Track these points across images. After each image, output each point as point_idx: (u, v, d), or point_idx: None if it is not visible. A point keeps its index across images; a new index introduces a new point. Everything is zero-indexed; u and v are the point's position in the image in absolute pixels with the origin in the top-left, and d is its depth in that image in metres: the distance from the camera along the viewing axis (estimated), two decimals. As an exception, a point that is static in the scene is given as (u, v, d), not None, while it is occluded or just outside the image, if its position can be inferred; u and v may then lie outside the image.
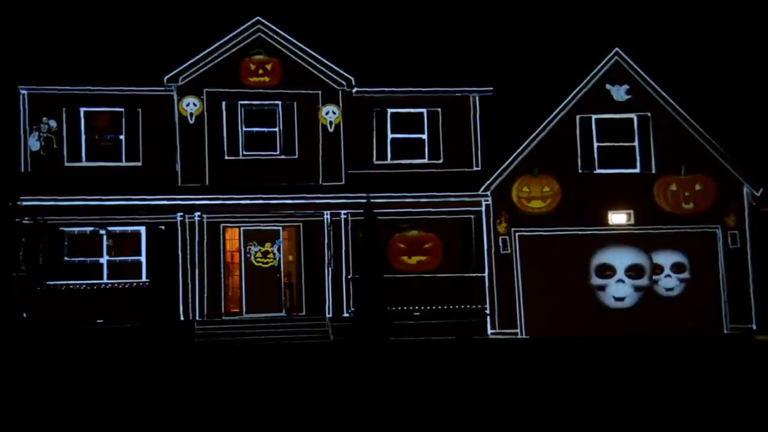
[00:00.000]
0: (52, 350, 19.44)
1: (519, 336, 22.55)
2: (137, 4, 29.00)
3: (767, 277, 22.89)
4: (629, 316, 22.79)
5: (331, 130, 23.10)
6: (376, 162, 23.93)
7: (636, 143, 23.39)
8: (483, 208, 23.09)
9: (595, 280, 22.99)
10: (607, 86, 23.46)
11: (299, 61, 23.47)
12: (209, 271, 22.40)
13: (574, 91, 23.28)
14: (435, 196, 22.79)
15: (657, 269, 22.91)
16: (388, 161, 23.97)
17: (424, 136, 24.20)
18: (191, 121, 22.70)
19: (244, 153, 23.23)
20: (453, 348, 20.75)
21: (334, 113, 23.14)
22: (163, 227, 22.15)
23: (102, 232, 22.26)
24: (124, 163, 23.18)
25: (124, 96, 23.23)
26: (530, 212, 23.07)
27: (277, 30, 23.43)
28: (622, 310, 22.84)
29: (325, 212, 22.74)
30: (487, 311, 22.68)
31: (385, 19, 30.19)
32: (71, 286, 21.55)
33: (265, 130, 23.48)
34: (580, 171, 23.28)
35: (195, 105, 22.65)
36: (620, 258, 23.00)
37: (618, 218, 23.26)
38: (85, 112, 23.21)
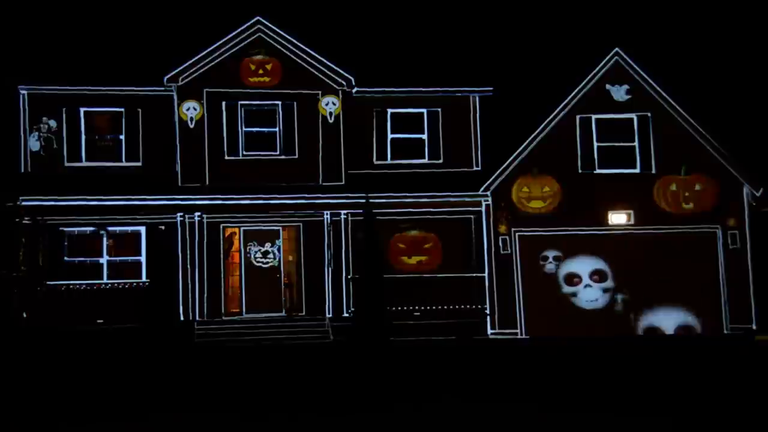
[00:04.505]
0: (52, 350, 19.43)
1: (519, 336, 22.56)
2: (137, 4, 28.99)
3: (767, 277, 22.88)
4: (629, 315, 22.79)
5: (330, 121, 23.08)
6: (376, 162, 23.93)
7: (636, 143, 23.39)
8: (483, 208, 23.10)
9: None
10: (607, 86, 23.46)
11: (299, 61, 23.47)
12: (209, 271, 22.41)
13: (574, 91, 23.29)
14: (435, 196, 22.79)
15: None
16: (388, 161, 23.97)
17: (424, 136, 24.20)
18: (191, 126, 22.72)
19: (244, 153, 23.24)
20: (453, 348, 20.75)
21: (334, 104, 23.16)
22: (163, 227, 22.14)
23: (102, 232, 22.25)
24: (124, 163, 23.19)
25: (124, 96, 23.24)
26: (530, 212, 23.07)
27: (277, 30, 23.44)
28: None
29: (325, 212, 22.75)
30: (487, 311, 22.68)
31: (385, 19, 30.18)
32: (71, 287, 21.55)
33: (265, 130, 23.49)
34: (580, 171, 23.28)
35: (195, 109, 22.66)
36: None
37: (618, 218, 23.27)
38: (85, 112, 23.22)
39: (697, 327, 22.50)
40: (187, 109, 22.66)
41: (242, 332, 21.50)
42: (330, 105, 23.17)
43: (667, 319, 22.58)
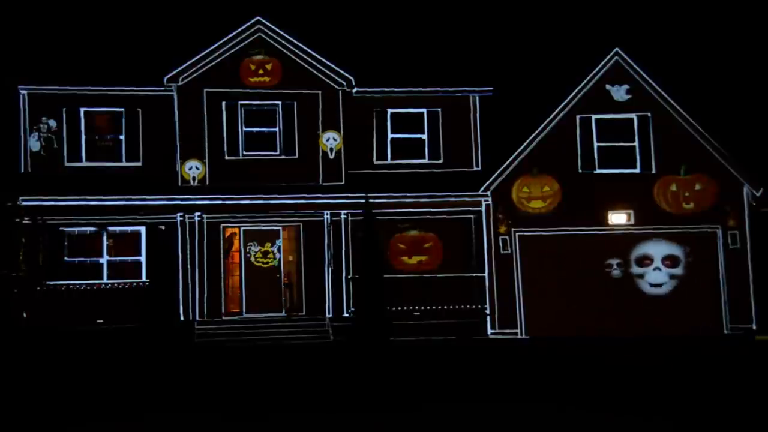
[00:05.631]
0: (52, 350, 19.43)
1: (519, 336, 22.56)
2: (137, 4, 29.00)
3: (767, 277, 22.88)
4: (630, 316, 22.78)
5: (331, 157, 23.10)
6: (376, 162, 23.94)
7: (636, 143, 23.40)
8: (483, 208, 23.10)
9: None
10: (607, 86, 23.46)
11: (299, 61, 23.48)
12: (209, 271, 22.41)
13: (574, 91, 23.29)
14: (435, 196, 22.79)
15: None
16: (388, 161, 23.98)
17: (424, 136, 24.21)
18: (194, 184, 22.70)
19: (244, 153, 23.24)
20: (453, 348, 20.75)
21: (335, 140, 23.12)
22: (163, 227, 22.15)
23: (102, 232, 22.28)
24: (124, 163, 23.21)
25: (124, 96, 23.25)
26: (530, 212, 23.07)
27: (277, 30, 23.44)
28: (623, 312, 22.84)
29: (325, 212, 22.75)
30: (487, 311, 22.69)
31: (385, 19, 30.18)
32: (71, 286, 21.56)
33: (265, 130, 23.49)
34: (580, 171, 23.28)
35: (198, 168, 22.70)
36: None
37: (618, 218, 23.27)
38: (85, 112, 23.23)
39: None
40: (189, 169, 22.71)
41: (242, 332, 21.50)
42: (331, 141, 23.16)
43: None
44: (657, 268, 23.04)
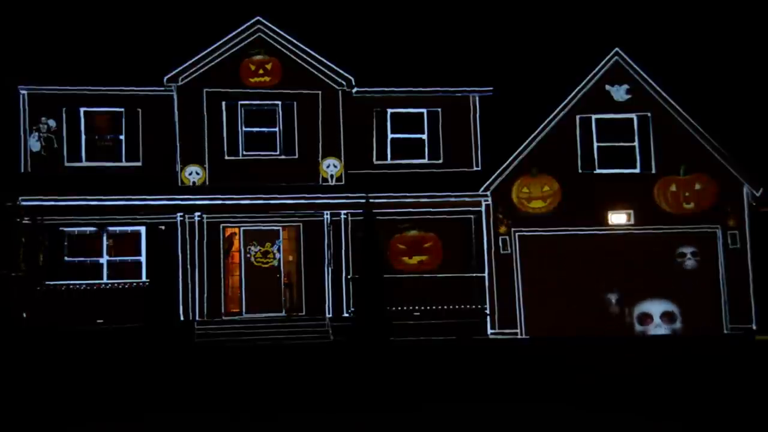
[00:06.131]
0: (52, 350, 19.43)
1: (519, 336, 22.56)
2: (137, 4, 29.00)
3: (767, 277, 22.88)
4: (629, 318, 22.80)
5: (332, 183, 23.06)
6: (376, 162, 23.94)
7: (636, 143, 23.40)
8: (483, 208, 23.10)
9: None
10: (607, 86, 23.46)
11: (299, 61, 23.48)
12: (209, 271, 22.41)
13: (574, 91, 23.28)
14: (435, 196, 22.79)
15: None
16: (388, 161, 23.98)
17: (424, 136, 24.21)
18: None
19: (244, 153, 23.24)
20: (453, 348, 20.75)
21: (335, 167, 23.09)
22: (163, 227, 22.15)
23: (103, 232, 22.29)
24: (124, 163, 23.20)
25: (124, 96, 23.24)
26: (530, 212, 23.07)
27: (277, 30, 23.44)
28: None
29: (325, 212, 22.75)
30: (487, 311, 22.69)
31: (385, 19, 30.19)
32: (71, 286, 21.56)
33: (265, 130, 23.49)
34: (580, 171, 23.28)
35: (198, 174, 22.70)
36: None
37: (618, 218, 23.27)
38: (85, 112, 23.23)
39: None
40: (189, 174, 22.71)
41: (242, 332, 21.50)
42: (331, 168, 23.14)
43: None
44: (658, 325, 22.94)
